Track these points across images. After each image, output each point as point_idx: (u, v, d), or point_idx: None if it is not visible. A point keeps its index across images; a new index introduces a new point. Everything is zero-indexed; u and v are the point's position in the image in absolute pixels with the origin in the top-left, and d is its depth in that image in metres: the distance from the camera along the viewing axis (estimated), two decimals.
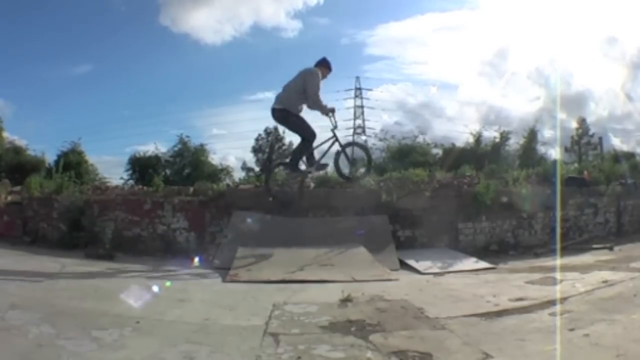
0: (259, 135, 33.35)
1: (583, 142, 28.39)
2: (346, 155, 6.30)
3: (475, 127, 26.62)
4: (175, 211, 6.38)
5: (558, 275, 4.25)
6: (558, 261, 5.16)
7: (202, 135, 52.15)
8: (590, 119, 29.51)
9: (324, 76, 6.05)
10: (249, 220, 6.09)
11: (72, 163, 18.04)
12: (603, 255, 5.49)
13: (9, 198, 7.27)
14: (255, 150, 33.88)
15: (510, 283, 4.12)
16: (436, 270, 4.96)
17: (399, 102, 45.14)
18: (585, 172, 8.08)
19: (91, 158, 22.99)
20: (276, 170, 6.70)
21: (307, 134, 5.94)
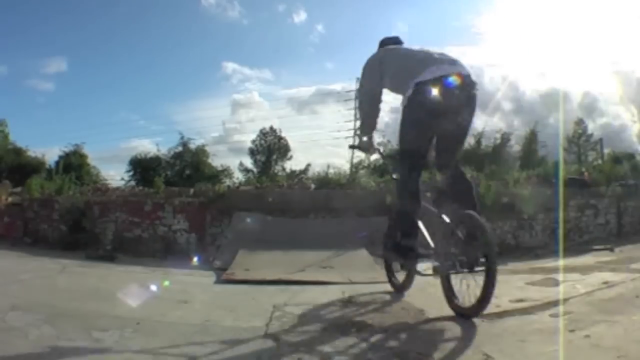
0: (257, 136, 33.33)
1: (582, 142, 28.42)
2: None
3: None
4: (175, 212, 6.39)
5: (559, 276, 4.24)
6: (559, 262, 5.15)
7: (202, 137, 52.29)
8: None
9: None
10: (249, 221, 6.10)
11: (74, 165, 18.11)
12: (603, 257, 5.48)
13: (10, 199, 7.29)
14: (252, 152, 33.80)
15: (511, 284, 4.11)
16: None
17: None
18: (586, 173, 8.09)
19: (92, 160, 23.15)
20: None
21: None
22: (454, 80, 2.94)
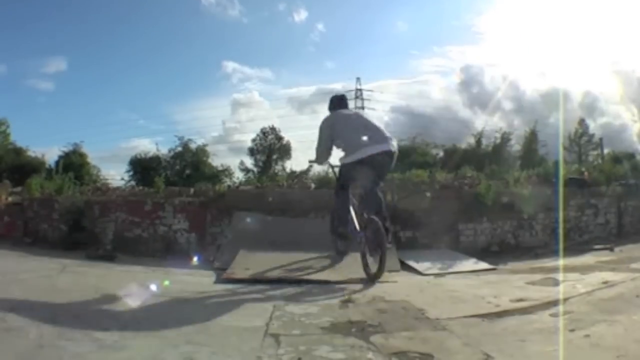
0: (257, 135, 33.35)
1: (583, 141, 28.42)
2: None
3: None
4: (176, 212, 6.39)
5: (559, 276, 4.25)
6: (559, 262, 5.15)
7: (202, 136, 52.29)
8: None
9: None
10: (249, 221, 6.09)
11: (74, 164, 18.11)
12: (604, 256, 5.49)
13: (10, 199, 7.29)
14: (252, 151, 33.82)
15: (511, 284, 4.12)
16: (437, 271, 4.95)
17: (402, 100, 45.12)
18: (586, 173, 8.08)
19: (92, 159, 23.16)
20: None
21: None
22: (378, 156, 4.66)
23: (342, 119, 4.99)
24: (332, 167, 5.41)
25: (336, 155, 5.08)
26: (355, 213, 4.93)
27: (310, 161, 5.35)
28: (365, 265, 4.47)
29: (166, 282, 4.33)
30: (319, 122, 5.18)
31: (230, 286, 4.28)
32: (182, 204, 6.47)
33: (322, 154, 5.09)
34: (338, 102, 5.25)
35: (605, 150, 19.94)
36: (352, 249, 5.33)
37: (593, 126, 31.26)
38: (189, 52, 54.41)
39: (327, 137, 4.96)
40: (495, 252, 6.13)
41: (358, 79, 33.96)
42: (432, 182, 7.27)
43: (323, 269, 4.82)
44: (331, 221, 5.29)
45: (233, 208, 6.34)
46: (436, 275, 4.80)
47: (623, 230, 7.08)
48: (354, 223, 4.89)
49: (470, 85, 50.62)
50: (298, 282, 4.32)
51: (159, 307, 3.35)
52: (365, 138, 4.68)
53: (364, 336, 2.66)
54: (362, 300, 3.56)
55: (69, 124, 49.83)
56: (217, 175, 23.14)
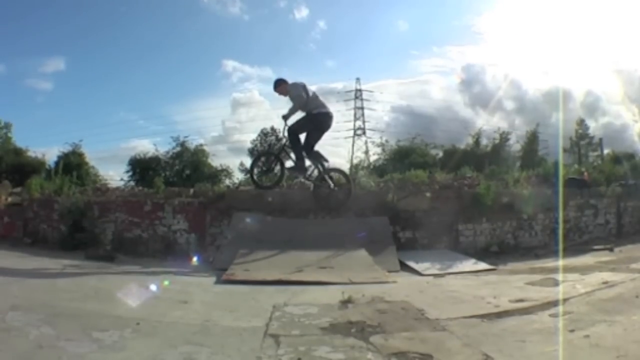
0: (257, 136, 33.30)
1: (583, 143, 28.39)
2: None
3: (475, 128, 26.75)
4: (175, 212, 6.39)
5: (558, 276, 4.25)
6: (558, 262, 5.16)
7: (202, 136, 52.25)
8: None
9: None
10: (249, 221, 6.09)
11: (73, 164, 18.07)
12: (603, 257, 5.49)
13: (10, 199, 7.28)
14: (252, 152, 33.73)
15: (511, 284, 4.12)
16: (436, 271, 4.96)
17: (402, 100, 45.10)
18: (585, 173, 8.09)
19: (90, 160, 23.13)
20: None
21: None
22: (330, 115, 6.71)
23: (306, 87, 6.56)
24: (286, 124, 6.58)
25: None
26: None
27: (284, 115, 6.50)
28: (320, 182, 6.49)
29: (166, 282, 4.33)
30: None
31: (230, 287, 4.28)
32: (182, 204, 6.47)
33: (298, 108, 6.42)
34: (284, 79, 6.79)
35: (606, 151, 19.88)
36: (352, 249, 5.35)
37: (595, 126, 31.16)
38: (189, 51, 54.20)
39: (303, 95, 6.43)
40: (495, 253, 6.13)
41: (358, 79, 34.06)
42: (431, 183, 7.27)
43: (322, 269, 4.82)
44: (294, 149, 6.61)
45: (233, 208, 6.34)
46: (436, 275, 4.81)
47: (622, 231, 7.08)
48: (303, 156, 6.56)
49: (472, 85, 50.31)
50: (297, 282, 4.32)
51: (158, 308, 3.35)
52: (322, 102, 6.69)
53: (363, 336, 2.66)
54: (362, 300, 3.56)
55: (68, 124, 49.76)
56: (216, 175, 23.04)
